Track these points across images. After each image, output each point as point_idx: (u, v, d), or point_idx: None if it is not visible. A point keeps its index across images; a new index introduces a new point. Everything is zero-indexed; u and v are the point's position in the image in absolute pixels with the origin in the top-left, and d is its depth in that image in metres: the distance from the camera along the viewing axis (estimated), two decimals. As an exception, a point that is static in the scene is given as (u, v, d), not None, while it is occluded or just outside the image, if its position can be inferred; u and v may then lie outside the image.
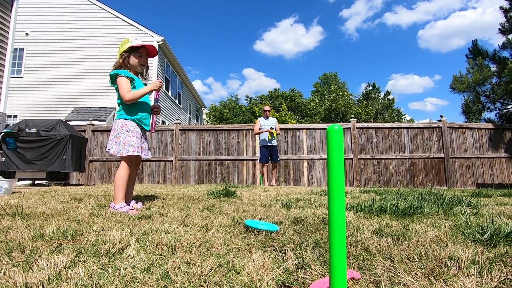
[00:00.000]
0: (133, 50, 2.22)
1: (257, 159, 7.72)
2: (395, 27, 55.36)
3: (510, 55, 8.85)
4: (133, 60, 2.23)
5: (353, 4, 58.82)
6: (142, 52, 2.27)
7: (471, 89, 9.04)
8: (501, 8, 8.71)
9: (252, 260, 0.98)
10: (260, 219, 1.76)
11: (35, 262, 0.94)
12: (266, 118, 6.62)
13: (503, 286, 0.80)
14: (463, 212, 1.95)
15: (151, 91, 2.23)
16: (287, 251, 1.09)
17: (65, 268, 0.90)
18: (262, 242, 1.22)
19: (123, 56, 2.21)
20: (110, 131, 2.32)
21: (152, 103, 2.40)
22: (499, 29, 8.78)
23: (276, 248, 1.14)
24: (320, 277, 0.87)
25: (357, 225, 1.55)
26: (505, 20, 8.61)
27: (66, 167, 5.88)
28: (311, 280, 0.85)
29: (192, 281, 0.83)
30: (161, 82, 2.28)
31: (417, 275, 0.87)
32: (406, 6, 57.73)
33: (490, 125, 8.25)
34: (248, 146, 8.12)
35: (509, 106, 9.20)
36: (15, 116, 12.06)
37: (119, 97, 2.21)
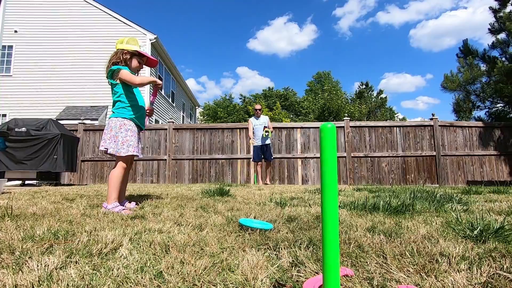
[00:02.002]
0: (137, 54, 2.26)
1: (251, 158, 7.72)
2: (387, 26, 55.85)
3: (499, 55, 9.01)
4: (134, 63, 2.26)
5: (346, 2, 59.10)
6: (143, 60, 2.33)
7: (462, 88, 9.19)
8: (490, 8, 8.85)
9: (246, 258, 0.98)
10: (254, 217, 1.76)
11: (25, 264, 0.92)
12: (258, 117, 6.59)
13: (492, 280, 0.82)
14: (453, 209, 1.99)
15: (154, 83, 2.25)
16: (281, 249, 1.09)
17: (56, 269, 0.88)
18: (256, 241, 1.22)
19: (125, 55, 2.20)
20: (102, 130, 2.29)
21: (146, 105, 2.39)
22: (489, 29, 8.93)
23: (270, 247, 1.14)
24: (314, 274, 0.87)
25: (351, 223, 1.57)
26: (495, 20, 8.76)
27: (57, 167, 5.79)
28: (305, 278, 0.85)
29: (186, 281, 0.82)
30: (161, 83, 2.33)
31: (409, 271, 0.88)
32: (398, 5, 58.34)
33: (480, 124, 8.40)
34: (242, 145, 8.11)
35: (498, 105, 9.38)
36: (4, 115, 11.83)
37: (115, 93, 2.18)
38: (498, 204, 2.26)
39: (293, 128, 8.19)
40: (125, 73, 2.14)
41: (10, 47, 12.45)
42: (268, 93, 34.43)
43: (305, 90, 35.00)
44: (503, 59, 8.85)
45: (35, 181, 5.95)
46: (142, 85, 2.20)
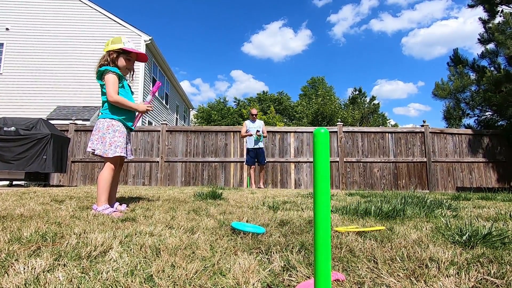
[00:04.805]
0: (123, 52, 2.19)
1: (245, 162, 7.71)
2: (380, 34, 56.80)
3: (488, 64, 9.24)
4: (121, 62, 2.20)
5: (341, 9, 59.95)
6: (132, 56, 2.26)
7: (452, 96, 9.37)
8: (480, 19, 9.09)
9: (238, 262, 0.97)
10: (247, 221, 1.76)
11: (11, 266, 0.90)
12: (253, 121, 6.65)
13: (479, 286, 0.83)
14: (443, 214, 2.02)
15: (136, 110, 2.24)
16: (273, 253, 1.09)
17: (43, 272, 0.86)
18: (248, 245, 1.22)
19: (111, 55, 2.16)
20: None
21: (147, 98, 2.36)
22: (478, 39, 9.16)
23: (262, 251, 1.14)
24: (305, 279, 0.87)
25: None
26: (484, 30, 8.99)
27: (47, 168, 5.68)
28: (297, 282, 0.85)
29: (177, 285, 0.82)
30: (149, 108, 2.28)
31: (399, 276, 0.89)
32: (391, 14, 59.39)
33: (469, 131, 8.58)
34: (235, 148, 8.10)
35: (487, 113, 9.59)
36: (-7, 114, 11.57)
37: (104, 94, 2.16)
38: (486, 210, 2.30)
39: (286, 132, 8.23)
40: (108, 81, 2.08)
41: (1, 44, 12.24)
42: (262, 97, 34.55)
43: (299, 95, 35.28)
44: (492, 68, 9.07)
45: (23, 182, 5.83)
46: (117, 104, 2.12)
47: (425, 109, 58.14)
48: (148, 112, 2.36)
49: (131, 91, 2.36)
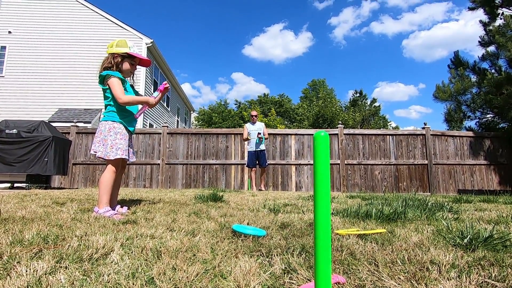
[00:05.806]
0: (128, 56, 2.21)
1: (246, 164, 7.72)
2: (381, 36, 56.93)
3: (489, 67, 9.23)
4: (126, 66, 2.21)
5: (341, 12, 60.19)
6: (136, 61, 2.28)
7: (453, 98, 9.36)
8: (481, 21, 9.10)
9: (238, 265, 0.98)
10: (248, 224, 1.76)
11: (14, 269, 0.91)
12: (253, 123, 6.64)
13: (481, 289, 0.83)
14: (444, 217, 2.01)
15: (147, 103, 2.26)
16: (274, 256, 1.09)
17: (45, 274, 0.87)
18: (249, 247, 1.22)
19: (116, 59, 2.17)
20: (95, 133, 2.27)
21: (154, 94, 2.37)
22: (479, 41, 9.16)
23: (263, 253, 1.14)
24: (306, 281, 0.87)
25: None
26: (485, 33, 8.99)
27: (48, 170, 5.70)
28: (297, 285, 0.85)
29: (178, 287, 0.82)
30: (155, 103, 2.31)
31: (400, 279, 0.89)
32: (392, 16, 59.58)
33: (470, 133, 8.56)
34: (236, 151, 8.11)
35: (488, 115, 9.57)
36: (-5, 116, 11.62)
37: (106, 98, 2.17)
38: (488, 213, 2.30)
39: (287, 134, 8.23)
40: (113, 84, 2.08)
41: (3, 47, 12.32)
42: (263, 99, 34.60)
43: (300, 97, 35.35)
44: (493, 71, 9.07)
45: (25, 184, 5.84)
46: (128, 104, 2.15)
47: (426, 111, 58.08)
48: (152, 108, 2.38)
49: (134, 90, 2.37)
